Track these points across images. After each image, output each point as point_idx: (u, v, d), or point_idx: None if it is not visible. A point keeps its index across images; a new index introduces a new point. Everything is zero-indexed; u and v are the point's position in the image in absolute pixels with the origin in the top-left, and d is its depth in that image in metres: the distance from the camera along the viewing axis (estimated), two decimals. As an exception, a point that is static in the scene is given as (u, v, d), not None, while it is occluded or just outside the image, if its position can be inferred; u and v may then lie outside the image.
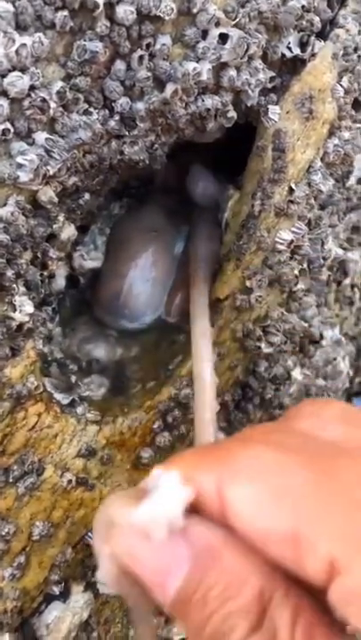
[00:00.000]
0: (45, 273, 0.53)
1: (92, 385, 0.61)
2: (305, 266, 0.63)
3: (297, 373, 0.69)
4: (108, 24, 0.46)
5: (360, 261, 0.77)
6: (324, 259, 0.65)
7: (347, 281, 0.76)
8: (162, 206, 0.70)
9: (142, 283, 0.66)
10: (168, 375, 0.60)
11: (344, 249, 0.73)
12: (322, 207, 0.64)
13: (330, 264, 0.68)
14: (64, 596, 0.58)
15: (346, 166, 0.65)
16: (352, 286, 0.78)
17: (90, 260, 0.65)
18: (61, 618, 0.57)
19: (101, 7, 0.45)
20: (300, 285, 0.63)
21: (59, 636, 0.57)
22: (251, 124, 0.60)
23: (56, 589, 0.56)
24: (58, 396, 0.55)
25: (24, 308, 0.48)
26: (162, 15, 0.47)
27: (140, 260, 0.66)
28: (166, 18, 0.47)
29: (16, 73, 0.44)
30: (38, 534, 0.52)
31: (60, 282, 0.61)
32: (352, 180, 0.68)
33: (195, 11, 0.48)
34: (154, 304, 0.66)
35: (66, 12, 0.45)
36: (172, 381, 0.58)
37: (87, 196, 0.55)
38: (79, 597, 0.59)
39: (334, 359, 0.75)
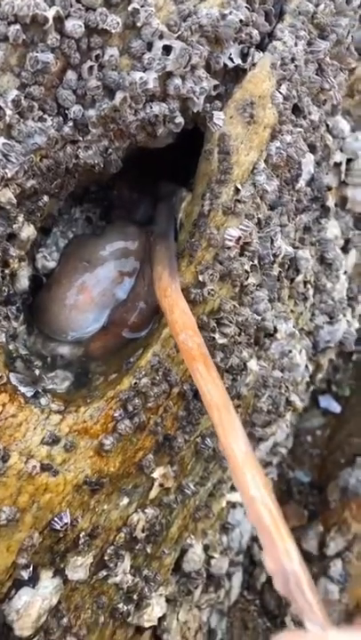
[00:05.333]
0: (7, 271, 0.56)
1: (56, 379, 0.64)
2: (255, 262, 0.67)
3: (253, 364, 0.72)
4: (59, 37, 0.50)
5: (312, 259, 0.81)
6: (275, 255, 0.69)
7: (299, 278, 0.80)
8: (114, 241, 0.72)
9: (72, 307, 0.69)
10: (128, 367, 0.63)
11: (296, 247, 0.77)
12: (271, 208, 0.68)
13: (281, 261, 0.72)
14: (33, 581, 0.60)
15: (294, 170, 0.69)
16: (305, 283, 0.82)
17: (52, 260, 0.69)
18: (31, 603, 0.60)
19: (51, 21, 0.49)
20: (251, 280, 0.67)
21: (29, 620, 0.60)
22: (199, 130, 0.64)
23: (25, 574, 0.58)
24: (22, 389, 0.58)
25: (-14, 302, 0.52)
26: (109, 28, 0.51)
27: (71, 287, 0.69)
28: (113, 31, 0.52)
29: (-27, 83, 0.48)
30: (5, 519, 0.55)
31: (23, 282, 0.64)
32: (301, 183, 0.72)
33: (139, 24, 0.53)
34: (87, 323, 0.70)
35: (18, 26, 0.49)
36: (133, 371, 0.61)
37: (46, 198, 0.59)
38: (48, 583, 0.61)
39: (290, 351, 0.78)
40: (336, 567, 1.01)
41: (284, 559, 0.40)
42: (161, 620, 0.76)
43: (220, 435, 0.49)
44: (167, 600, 0.76)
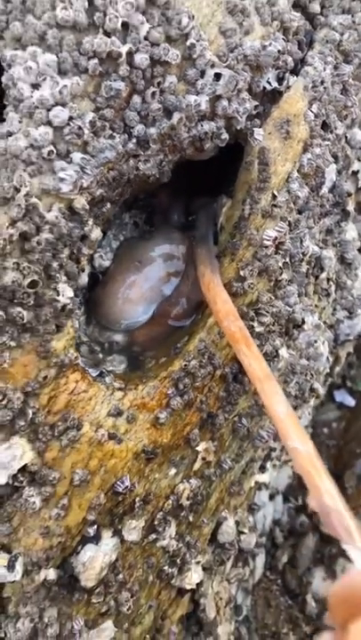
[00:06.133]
0: (79, 267, 0.65)
1: (114, 362, 0.72)
2: (287, 259, 0.75)
3: (283, 352, 0.81)
4: (129, 68, 0.59)
5: (334, 258, 0.90)
6: (303, 254, 0.78)
7: (323, 275, 0.88)
8: (161, 244, 0.82)
9: (125, 300, 0.78)
10: (177, 352, 0.72)
11: (320, 248, 0.86)
12: (300, 212, 0.77)
13: (308, 259, 0.81)
14: (96, 539, 0.69)
15: (319, 177, 0.78)
16: (328, 280, 0.90)
17: (107, 260, 0.77)
18: (94, 557, 0.68)
19: (124, 56, 0.58)
20: (284, 276, 0.75)
21: (93, 573, 0.68)
22: (240, 145, 0.73)
23: (91, 531, 0.67)
24: (89, 369, 0.67)
25: (66, 292, 0.61)
26: (169, 60, 0.60)
27: (124, 283, 0.78)
28: (173, 62, 0.61)
29: (59, 107, 0.57)
30: (78, 479, 0.63)
31: (84, 278, 0.73)
32: (324, 190, 0.81)
33: (194, 56, 0.62)
34: (138, 314, 0.79)
35: (96, 60, 0.58)
36: (182, 355, 0.70)
37: (109, 205, 0.68)
38: (108, 541, 0.70)
39: (315, 342, 0.87)
40: (354, 548, 1.08)
41: (325, 498, 0.48)
42: (198, 585, 0.84)
43: (264, 400, 0.58)
44: (203, 569, 0.84)
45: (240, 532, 0.91)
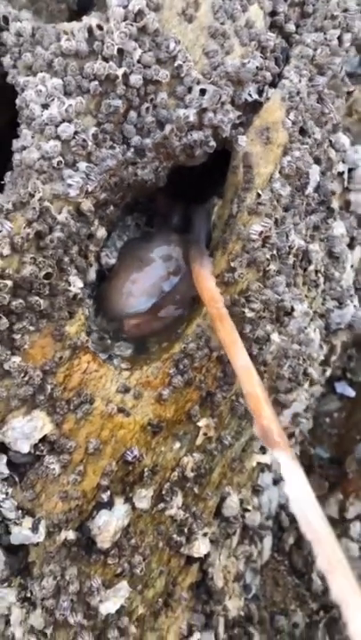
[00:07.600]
0: (87, 262, 0.74)
1: (121, 347, 0.81)
2: (274, 252, 0.84)
3: (275, 337, 0.89)
4: (125, 87, 0.68)
5: (321, 252, 0.98)
6: (290, 247, 0.86)
7: (311, 267, 0.96)
8: (160, 246, 0.90)
9: (128, 294, 0.87)
10: (178, 336, 0.80)
11: (307, 242, 0.94)
12: (285, 210, 0.85)
13: (295, 252, 0.89)
14: (110, 505, 0.77)
15: (303, 178, 0.87)
16: (316, 272, 0.98)
17: (113, 258, 0.86)
18: (108, 522, 0.76)
19: (120, 77, 0.67)
20: (272, 267, 0.84)
21: (108, 535, 0.76)
22: (226, 151, 0.82)
23: (104, 497, 0.75)
24: (99, 354, 0.76)
25: (76, 283, 0.70)
26: (160, 79, 0.70)
27: (128, 280, 0.87)
28: (163, 81, 0.70)
29: (65, 123, 0.66)
30: (92, 448, 0.72)
31: (92, 274, 0.82)
32: (309, 190, 0.89)
33: (182, 75, 0.71)
34: (139, 306, 0.87)
35: (96, 82, 0.67)
36: (182, 339, 0.78)
37: (112, 207, 0.77)
38: (121, 507, 0.78)
39: (305, 328, 0.95)
40: (356, 528, 1.15)
41: (265, 422, 0.58)
42: (206, 556, 0.91)
43: (230, 359, 0.69)
44: (210, 541, 0.92)
45: (245, 510, 0.98)
